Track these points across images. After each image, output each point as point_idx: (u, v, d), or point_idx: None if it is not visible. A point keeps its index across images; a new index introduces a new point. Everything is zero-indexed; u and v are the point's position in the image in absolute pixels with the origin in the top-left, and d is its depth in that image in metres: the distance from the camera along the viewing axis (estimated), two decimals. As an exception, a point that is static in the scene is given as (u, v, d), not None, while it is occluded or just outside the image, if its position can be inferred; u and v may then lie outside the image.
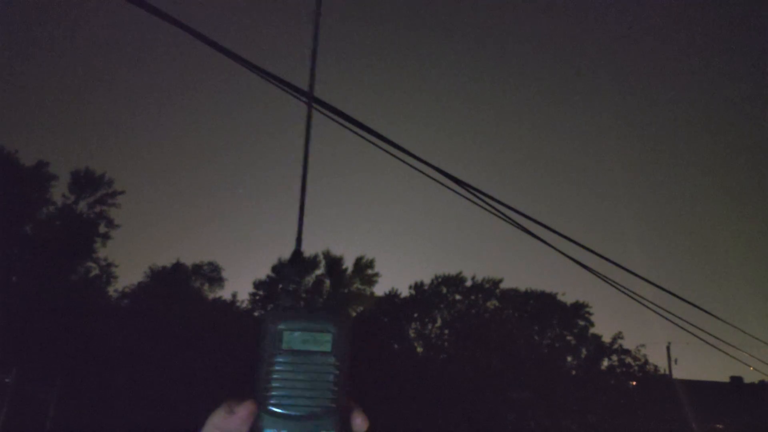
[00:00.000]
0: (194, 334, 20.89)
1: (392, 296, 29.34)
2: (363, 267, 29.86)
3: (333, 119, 2.93)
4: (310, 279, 28.96)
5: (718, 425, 27.45)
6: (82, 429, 17.10)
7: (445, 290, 29.70)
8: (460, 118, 54.83)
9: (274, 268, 29.68)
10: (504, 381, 25.28)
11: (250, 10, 47.22)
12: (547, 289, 29.73)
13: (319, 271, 29.42)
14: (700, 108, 58.93)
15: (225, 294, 29.11)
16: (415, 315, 28.77)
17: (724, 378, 31.65)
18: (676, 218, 53.71)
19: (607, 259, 4.55)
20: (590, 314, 29.16)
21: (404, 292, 29.56)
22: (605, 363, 28.37)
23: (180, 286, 26.80)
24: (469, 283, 29.74)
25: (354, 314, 27.32)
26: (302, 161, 0.96)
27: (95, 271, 25.19)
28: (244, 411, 0.65)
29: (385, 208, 50.53)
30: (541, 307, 29.15)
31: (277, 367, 0.66)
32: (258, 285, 29.40)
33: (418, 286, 29.72)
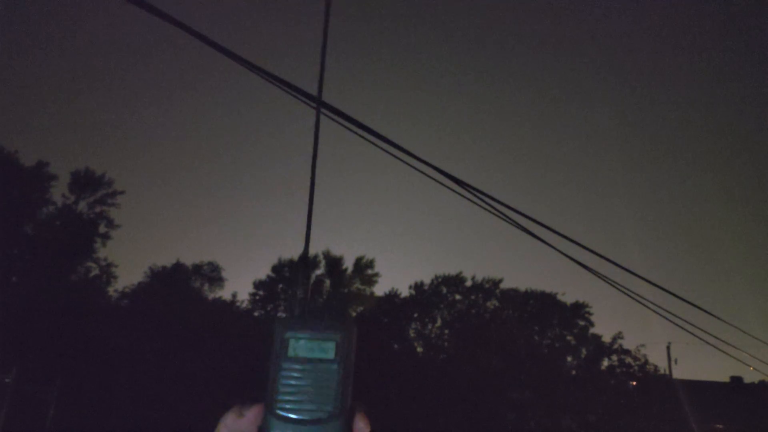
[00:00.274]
0: (194, 334, 20.90)
1: (392, 296, 29.36)
2: (363, 267, 29.89)
3: (333, 119, 2.93)
4: (310, 279, 28.98)
5: (718, 425, 27.42)
6: (82, 429, 17.10)
7: (445, 290, 29.72)
8: (460, 118, 54.84)
9: (275, 268, 29.71)
10: (504, 381, 25.28)
11: (250, 10, 47.26)
12: (547, 289, 29.84)
13: (319, 271, 29.46)
14: (700, 108, 58.96)
15: (225, 294, 29.23)
16: (415, 315, 28.79)
17: (724, 378, 31.63)
18: (676, 218, 53.74)
19: (607, 259, 4.54)
20: (590, 314, 29.23)
21: (404, 292, 29.63)
22: (605, 363, 28.40)
23: (180, 286, 26.82)
24: (469, 283, 29.79)
25: (354, 314, 27.32)
26: (311, 168, 0.98)
27: (95, 271, 25.25)
28: (252, 413, 0.69)
29: (385, 208, 50.59)
30: (541, 307, 29.16)
31: (283, 374, 0.70)
32: (258, 285, 29.45)
33: (418, 286, 29.76)
